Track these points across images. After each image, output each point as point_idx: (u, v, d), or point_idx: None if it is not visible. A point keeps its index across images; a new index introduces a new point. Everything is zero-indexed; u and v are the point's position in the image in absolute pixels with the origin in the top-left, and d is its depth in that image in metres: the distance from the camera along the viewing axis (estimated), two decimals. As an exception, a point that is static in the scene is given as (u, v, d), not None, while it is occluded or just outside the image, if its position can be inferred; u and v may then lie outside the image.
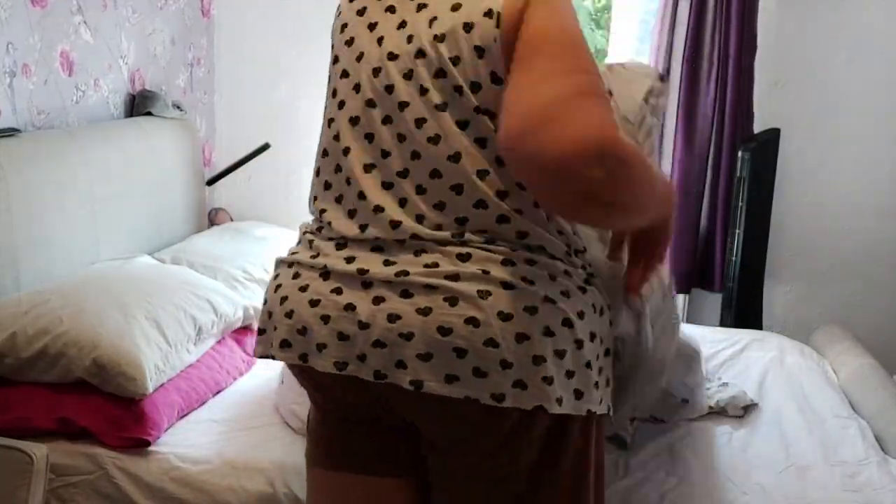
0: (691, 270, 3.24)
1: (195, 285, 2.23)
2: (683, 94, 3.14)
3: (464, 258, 1.18)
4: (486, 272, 1.16)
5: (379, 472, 1.32)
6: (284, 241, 2.86)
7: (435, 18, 1.21)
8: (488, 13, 1.18)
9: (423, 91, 1.21)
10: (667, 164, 3.23)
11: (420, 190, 1.21)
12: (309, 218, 1.37)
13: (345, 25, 1.32)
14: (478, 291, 1.15)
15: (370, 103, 1.25)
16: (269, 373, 2.27)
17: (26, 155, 2.16)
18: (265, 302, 1.32)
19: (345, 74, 1.29)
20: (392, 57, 1.24)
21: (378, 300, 1.18)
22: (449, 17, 1.20)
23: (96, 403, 1.83)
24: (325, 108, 1.35)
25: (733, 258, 2.99)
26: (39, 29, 2.34)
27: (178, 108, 2.98)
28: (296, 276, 1.27)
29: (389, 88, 1.23)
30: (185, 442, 1.86)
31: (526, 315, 1.15)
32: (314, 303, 1.22)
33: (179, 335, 2.01)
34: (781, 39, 3.19)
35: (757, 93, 3.14)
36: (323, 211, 1.29)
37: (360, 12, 1.30)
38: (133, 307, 1.98)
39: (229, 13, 3.39)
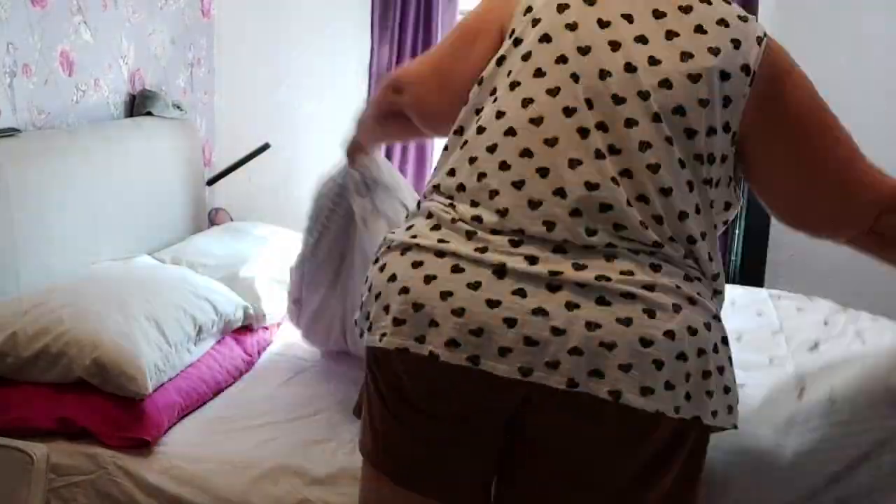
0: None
1: (195, 285, 2.23)
2: (683, 94, 3.14)
3: (656, 269, 1.19)
4: (678, 287, 1.18)
5: (444, 495, 1.27)
6: (285, 240, 2.86)
7: (690, 56, 1.21)
8: (745, 68, 1.23)
9: (657, 118, 1.20)
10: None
11: (629, 204, 1.19)
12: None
13: (565, 6, 1.26)
14: (672, 305, 1.16)
15: (588, 103, 1.20)
16: (269, 372, 2.27)
17: (26, 155, 2.16)
18: (405, 290, 1.20)
19: (562, 59, 1.22)
20: (630, 69, 1.20)
21: (571, 306, 1.14)
22: (706, 58, 1.22)
23: (96, 403, 1.83)
24: (511, 81, 1.26)
25: (733, 258, 2.99)
26: (39, 29, 2.34)
27: (178, 108, 2.98)
28: (457, 269, 1.18)
29: (618, 99, 1.20)
30: (186, 442, 1.86)
31: (705, 331, 1.19)
32: (493, 303, 1.15)
33: (179, 335, 2.01)
34: (781, 40, 3.18)
35: (757, 93, 3.14)
36: (494, 193, 1.21)
37: (589, 1, 1.26)
38: (133, 307, 1.98)
39: (229, 13, 3.39)
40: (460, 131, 1.31)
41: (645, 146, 1.19)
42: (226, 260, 2.60)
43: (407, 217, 1.36)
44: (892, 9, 3.11)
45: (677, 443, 1.21)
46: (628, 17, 1.24)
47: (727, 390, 1.22)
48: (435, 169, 1.36)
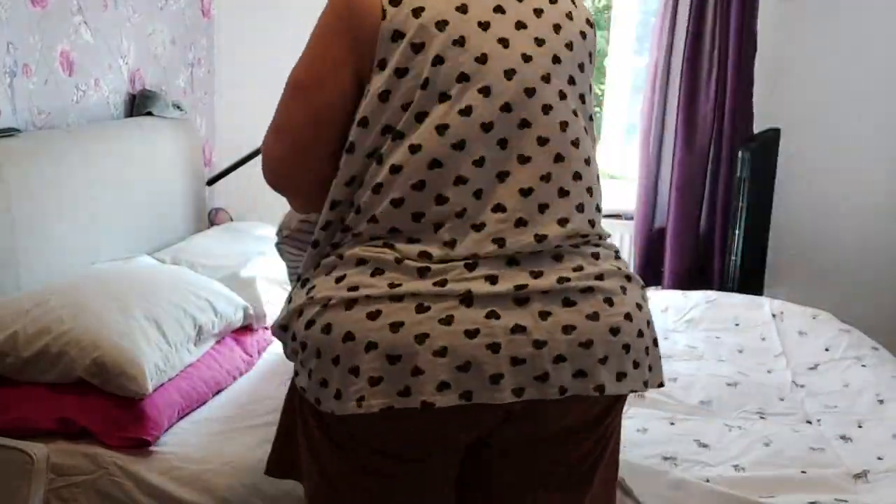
0: (691, 270, 3.25)
1: (195, 285, 2.23)
2: (683, 94, 3.14)
3: (596, 257, 1.23)
4: (618, 268, 1.24)
5: None
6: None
7: (559, 27, 1.25)
8: (588, 22, 1.31)
9: (563, 96, 1.24)
10: (667, 164, 3.23)
11: (563, 193, 1.22)
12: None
13: (444, 22, 1.18)
14: (620, 287, 1.22)
15: (505, 107, 1.19)
16: (269, 373, 2.27)
17: (26, 155, 2.16)
18: (372, 346, 1.12)
19: (464, 78, 1.18)
20: (526, 59, 1.21)
21: (544, 315, 1.15)
22: (568, 24, 1.27)
23: (97, 403, 1.83)
24: (416, 112, 1.18)
25: (733, 258, 2.99)
26: (39, 29, 2.34)
27: (178, 108, 2.98)
28: (422, 308, 1.12)
29: (530, 91, 1.21)
30: (186, 442, 1.86)
31: (645, 303, 1.27)
32: (472, 333, 1.12)
33: (179, 335, 2.01)
34: (781, 39, 3.19)
35: (757, 93, 3.14)
36: (438, 227, 1.17)
37: (462, 9, 1.20)
38: (133, 307, 1.98)
39: (229, 13, 3.39)
40: (353, 181, 1.22)
41: (564, 125, 1.23)
42: (226, 260, 2.60)
43: (306, 274, 1.26)
44: (891, 8, 3.11)
45: (617, 411, 1.30)
46: (500, 9, 1.22)
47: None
48: (327, 224, 1.24)
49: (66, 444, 1.81)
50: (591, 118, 1.31)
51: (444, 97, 1.18)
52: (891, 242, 3.23)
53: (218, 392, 2.12)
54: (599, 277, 1.20)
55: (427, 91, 1.18)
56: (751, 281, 3.09)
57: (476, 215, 1.17)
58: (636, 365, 1.21)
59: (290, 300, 1.27)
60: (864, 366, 2.30)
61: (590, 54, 1.31)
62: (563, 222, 1.20)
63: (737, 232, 2.97)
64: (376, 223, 1.19)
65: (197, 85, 3.30)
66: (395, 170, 1.18)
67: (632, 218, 3.34)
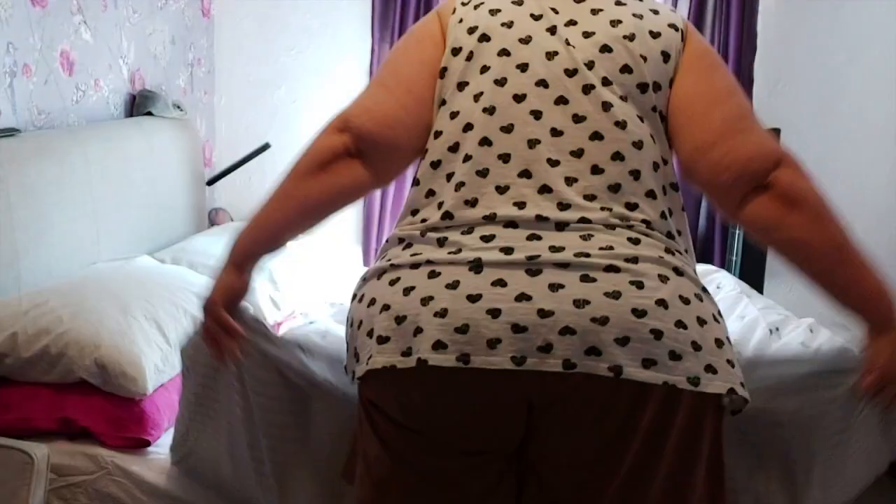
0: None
1: (195, 285, 2.23)
2: (683, 94, 3.14)
3: (635, 242, 1.19)
4: (661, 257, 1.18)
5: None
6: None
7: (619, 21, 1.29)
8: (672, 26, 1.32)
9: (607, 82, 1.26)
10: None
11: (596, 170, 1.22)
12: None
13: (497, 10, 1.33)
14: (658, 275, 1.16)
15: (542, 83, 1.26)
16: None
17: (26, 155, 2.16)
18: (385, 308, 1.18)
19: (504, 52, 1.29)
20: (570, 44, 1.28)
21: (555, 287, 1.12)
22: (633, 21, 1.30)
23: (97, 403, 1.83)
24: (458, 82, 1.30)
25: (733, 258, 2.99)
26: (39, 29, 2.34)
27: (179, 108, 2.98)
28: (433, 274, 1.17)
29: (570, 72, 1.26)
30: (186, 442, 1.86)
31: (697, 301, 1.18)
32: (474, 297, 1.13)
33: (179, 335, 2.01)
34: (781, 39, 3.19)
35: (757, 93, 3.14)
36: (461, 185, 1.24)
37: (518, 2, 1.34)
38: (133, 307, 1.98)
39: (229, 13, 3.39)
40: (425, 155, 1.33)
41: (608, 105, 1.25)
42: (226, 260, 2.59)
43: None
44: (891, 8, 3.11)
45: (699, 428, 1.15)
46: (554, 10, 1.33)
47: (732, 364, 1.18)
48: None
49: (66, 444, 1.81)
50: (658, 112, 1.29)
51: (484, 69, 1.29)
52: (891, 243, 3.23)
53: (218, 392, 2.11)
54: (631, 260, 1.15)
55: (470, 63, 1.30)
56: (751, 281, 3.09)
57: (500, 178, 1.22)
58: (674, 355, 1.10)
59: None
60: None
61: (663, 51, 1.30)
62: (590, 198, 1.21)
63: (737, 232, 2.97)
64: (421, 189, 1.30)
65: (197, 85, 3.30)
66: (437, 135, 1.30)
67: (632, 218, 3.34)
